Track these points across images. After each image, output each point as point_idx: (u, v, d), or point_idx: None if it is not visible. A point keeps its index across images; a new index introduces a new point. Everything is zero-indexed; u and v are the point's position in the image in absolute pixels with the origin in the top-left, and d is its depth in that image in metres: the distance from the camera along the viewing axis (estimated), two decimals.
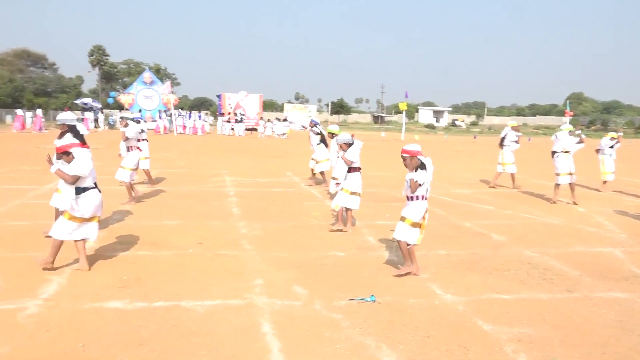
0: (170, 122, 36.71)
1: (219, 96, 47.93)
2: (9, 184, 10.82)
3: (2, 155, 16.51)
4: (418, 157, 5.38)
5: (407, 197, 5.53)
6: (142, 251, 6.14)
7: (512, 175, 12.69)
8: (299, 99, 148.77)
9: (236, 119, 38.58)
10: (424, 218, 5.54)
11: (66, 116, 6.63)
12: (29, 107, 54.69)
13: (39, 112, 33.75)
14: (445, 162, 20.34)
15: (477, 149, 30.38)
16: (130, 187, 9.28)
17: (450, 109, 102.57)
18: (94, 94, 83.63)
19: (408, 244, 5.55)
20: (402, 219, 5.54)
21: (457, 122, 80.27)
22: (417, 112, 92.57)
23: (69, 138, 5.82)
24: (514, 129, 12.92)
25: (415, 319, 4.42)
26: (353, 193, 7.54)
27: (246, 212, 8.77)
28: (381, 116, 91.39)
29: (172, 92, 43.41)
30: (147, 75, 43.31)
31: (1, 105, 54.36)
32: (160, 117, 36.79)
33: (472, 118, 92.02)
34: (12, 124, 35.07)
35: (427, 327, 4.27)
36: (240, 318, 4.28)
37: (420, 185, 5.36)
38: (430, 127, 72.08)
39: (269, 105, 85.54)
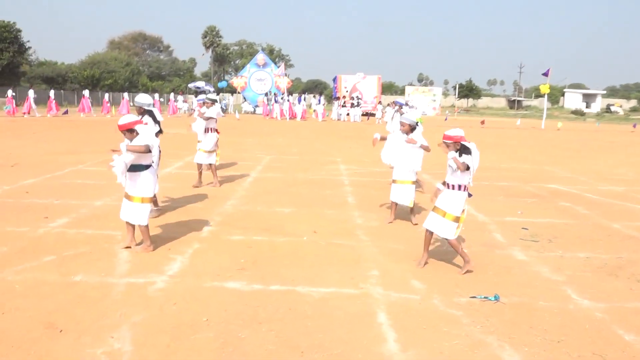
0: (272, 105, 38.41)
1: (334, 79, 49.02)
2: None
3: None
4: (461, 142, 5.42)
5: (448, 185, 5.56)
6: (258, 236, 6.75)
7: None
8: (422, 80, 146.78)
9: (352, 103, 39.21)
10: (463, 211, 5.58)
11: (143, 99, 7.35)
12: (144, 91, 60.07)
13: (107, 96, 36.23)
14: (596, 154, 19.28)
15: (637, 140, 28.18)
16: (214, 170, 10.14)
17: (605, 92, 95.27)
18: (206, 77, 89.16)
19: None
20: (441, 212, 5.57)
21: (612, 108, 74.43)
22: (563, 95, 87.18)
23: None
24: None
25: (545, 322, 4.49)
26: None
27: (361, 201, 9.16)
28: (518, 100, 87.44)
29: (286, 75, 45.29)
30: (261, 57, 45.48)
31: (118, 88, 60.08)
32: (276, 101, 38.46)
33: (633, 103, 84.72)
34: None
35: (557, 331, 4.32)
36: (356, 306, 4.65)
37: (467, 167, 5.36)
38: (578, 113, 67.64)
39: (388, 88, 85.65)
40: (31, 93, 30.06)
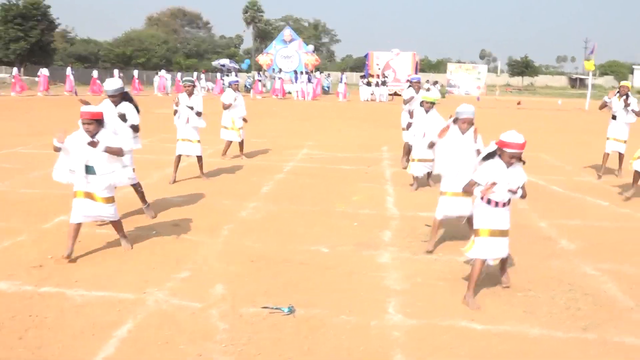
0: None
1: (366, 55, 48.10)
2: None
3: None
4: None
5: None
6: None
7: None
8: (485, 57, 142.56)
9: (377, 82, 38.32)
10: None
11: (111, 85, 6.59)
12: (178, 70, 60.99)
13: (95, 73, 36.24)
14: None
15: None
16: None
17: None
18: (247, 54, 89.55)
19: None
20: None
21: None
22: (632, 73, 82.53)
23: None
24: None
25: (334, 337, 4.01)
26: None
27: (275, 192, 8.72)
28: (580, 79, 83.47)
29: (313, 53, 44.77)
30: (287, 33, 45.09)
31: (151, 67, 60.97)
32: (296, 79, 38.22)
33: None
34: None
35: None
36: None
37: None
38: None
39: (436, 66, 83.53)
40: (69, 71, 31.70)
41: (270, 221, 7.07)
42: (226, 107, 11.02)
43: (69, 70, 32.85)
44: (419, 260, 5.81)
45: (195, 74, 45.48)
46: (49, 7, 51.59)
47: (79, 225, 5.37)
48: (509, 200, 4.67)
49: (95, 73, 35.09)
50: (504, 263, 5.07)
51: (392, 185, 9.43)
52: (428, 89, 17.67)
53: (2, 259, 5.33)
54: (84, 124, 5.17)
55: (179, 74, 40.78)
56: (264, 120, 20.63)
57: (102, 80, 42.01)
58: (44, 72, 31.41)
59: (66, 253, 5.24)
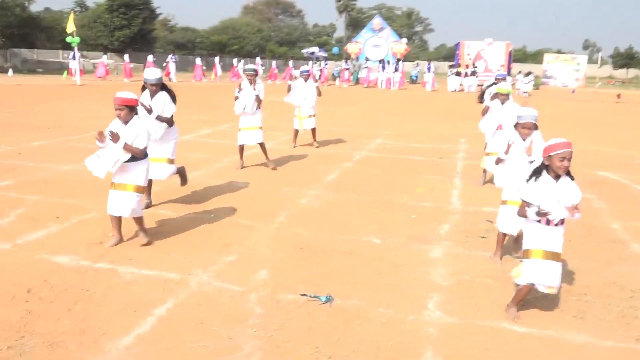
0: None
1: (456, 44, 46.80)
2: None
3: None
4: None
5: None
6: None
7: None
8: (589, 47, 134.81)
9: (466, 72, 37.20)
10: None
11: (151, 74, 6.50)
12: (271, 57, 62.21)
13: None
14: None
15: None
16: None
17: None
18: (339, 42, 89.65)
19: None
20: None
21: None
22: None
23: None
24: None
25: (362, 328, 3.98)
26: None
27: (339, 180, 8.71)
28: None
29: (401, 42, 44.13)
30: (377, 22, 44.61)
31: (245, 54, 62.50)
32: (383, 68, 37.87)
33: None
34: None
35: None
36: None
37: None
38: None
39: (534, 56, 79.94)
40: (150, 58, 33.45)
41: (327, 210, 7.07)
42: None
43: (170, 57, 34.83)
44: (471, 256, 5.62)
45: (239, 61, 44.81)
46: None
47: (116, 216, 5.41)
48: (563, 219, 4.28)
49: (198, 60, 37.16)
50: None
51: (461, 179, 9.16)
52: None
53: (68, 235, 5.68)
54: (115, 109, 5.20)
55: (234, 60, 41.62)
56: (345, 109, 20.67)
57: (184, 66, 44.35)
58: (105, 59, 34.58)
59: (112, 242, 5.43)
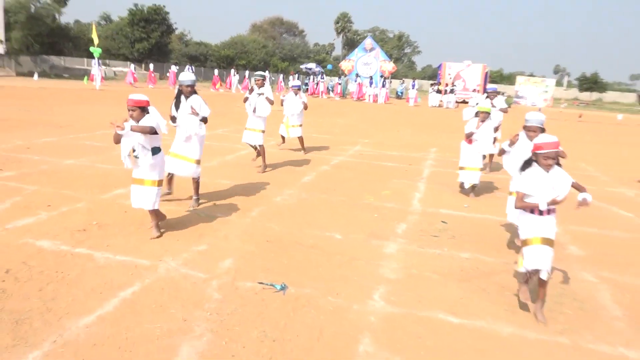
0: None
1: (439, 66, 46.75)
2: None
3: None
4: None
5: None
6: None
7: None
8: (558, 72, 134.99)
9: (445, 90, 37.12)
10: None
11: (186, 77, 6.35)
12: (274, 72, 62.29)
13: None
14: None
15: None
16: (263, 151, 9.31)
17: None
18: (335, 60, 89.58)
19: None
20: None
21: None
22: None
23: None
24: None
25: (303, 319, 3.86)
26: None
27: (314, 182, 8.58)
28: None
29: (389, 61, 44.10)
30: (368, 42, 44.63)
31: (251, 68, 62.34)
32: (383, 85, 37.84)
33: None
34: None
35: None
36: None
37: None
38: None
39: (508, 78, 79.96)
40: (173, 68, 33.75)
41: (299, 207, 6.95)
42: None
43: (173, 67, 34.99)
44: (422, 253, 5.51)
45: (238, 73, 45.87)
46: (167, 12, 53.92)
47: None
48: (554, 209, 4.21)
49: (216, 71, 38.80)
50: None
51: (425, 184, 9.05)
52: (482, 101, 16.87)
53: (56, 221, 5.54)
54: (128, 110, 5.11)
55: (246, 72, 42.19)
56: (334, 119, 20.54)
57: (222, 78, 44.91)
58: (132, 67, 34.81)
59: (154, 234, 5.34)
